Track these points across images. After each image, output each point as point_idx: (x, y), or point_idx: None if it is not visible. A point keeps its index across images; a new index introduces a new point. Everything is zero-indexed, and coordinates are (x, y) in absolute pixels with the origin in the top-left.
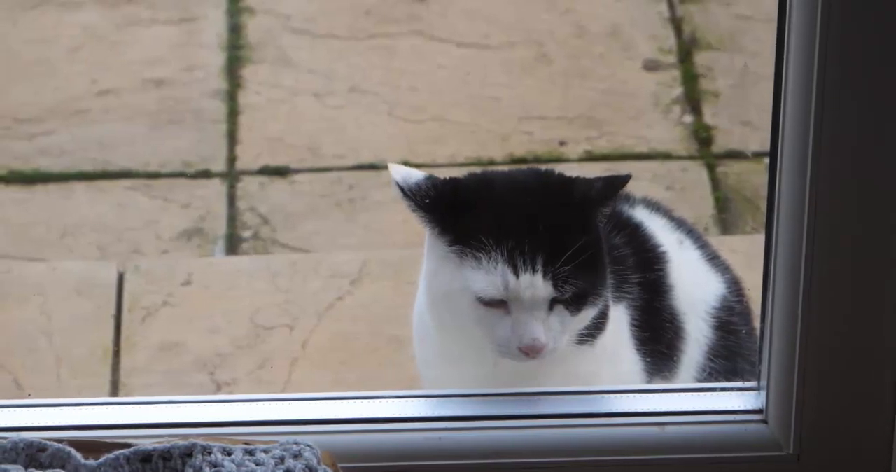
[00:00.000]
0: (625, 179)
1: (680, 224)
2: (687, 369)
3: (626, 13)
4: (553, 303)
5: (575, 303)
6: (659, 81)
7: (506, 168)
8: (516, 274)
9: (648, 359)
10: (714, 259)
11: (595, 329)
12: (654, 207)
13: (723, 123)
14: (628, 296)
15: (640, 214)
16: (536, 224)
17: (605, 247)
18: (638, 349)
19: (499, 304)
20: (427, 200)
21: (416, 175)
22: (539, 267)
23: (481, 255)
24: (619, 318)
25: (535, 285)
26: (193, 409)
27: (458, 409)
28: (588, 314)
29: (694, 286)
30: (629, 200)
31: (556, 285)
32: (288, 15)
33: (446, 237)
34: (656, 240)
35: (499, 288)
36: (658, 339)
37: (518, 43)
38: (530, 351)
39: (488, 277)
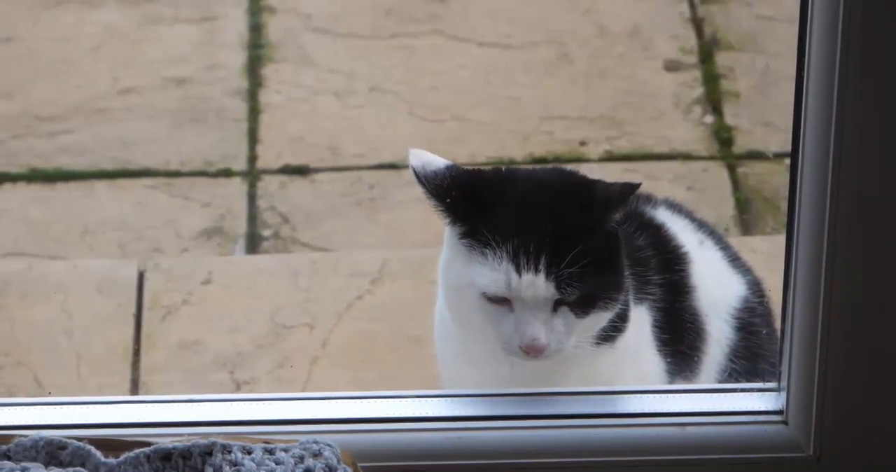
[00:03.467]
0: (635, 186)
1: (701, 225)
2: (708, 370)
3: (647, 13)
4: (558, 304)
5: (581, 306)
6: (680, 81)
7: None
8: (519, 273)
9: (670, 360)
10: (735, 261)
11: (615, 330)
12: (676, 208)
13: (744, 124)
14: (650, 297)
15: (663, 215)
16: (545, 224)
17: (620, 251)
18: (659, 350)
19: (504, 301)
20: (440, 189)
21: (437, 163)
22: (542, 267)
23: (488, 250)
24: (641, 319)
25: (537, 285)
26: (213, 408)
27: (478, 409)
28: (599, 318)
29: (716, 287)
30: (651, 201)
31: (558, 287)
32: (309, 14)
33: (458, 229)
34: (678, 241)
35: (501, 286)
36: (680, 340)
37: (539, 43)
38: (530, 351)
39: (492, 273)
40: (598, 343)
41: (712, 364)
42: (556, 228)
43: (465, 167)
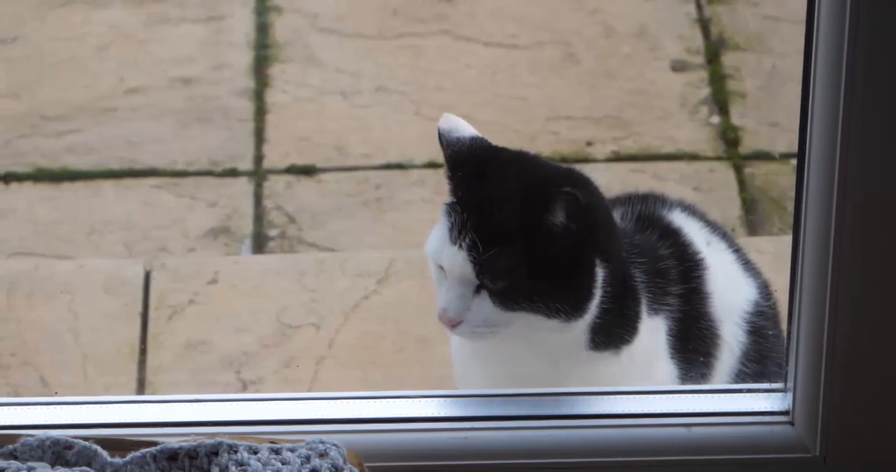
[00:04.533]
0: (566, 194)
1: (714, 228)
2: (719, 374)
3: (653, 14)
4: (481, 288)
5: (501, 298)
6: (686, 81)
7: None
8: (450, 244)
9: (683, 366)
10: (747, 264)
11: (618, 341)
12: (690, 209)
13: (750, 124)
14: (667, 308)
15: (679, 219)
16: (489, 208)
17: (577, 264)
18: (673, 357)
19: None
20: (455, 156)
21: (464, 131)
22: (464, 245)
23: (445, 218)
24: (655, 329)
25: (456, 259)
26: (220, 408)
27: (485, 409)
28: (540, 321)
29: (730, 292)
30: (666, 203)
31: (475, 269)
32: (315, 14)
33: (451, 193)
34: (695, 247)
35: (435, 251)
36: (694, 346)
37: (545, 43)
38: (441, 320)
39: (436, 239)
40: (596, 347)
41: (724, 368)
42: (494, 213)
43: (488, 142)
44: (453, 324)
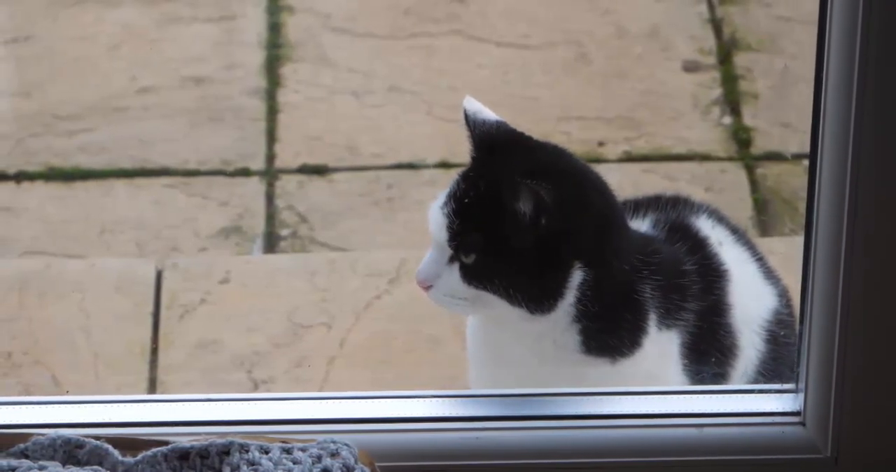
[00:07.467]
0: (530, 188)
1: (740, 236)
2: (734, 381)
3: (665, 14)
4: (454, 258)
5: (468, 271)
6: (698, 82)
7: None
8: (439, 209)
9: (697, 377)
10: (769, 272)
11: (609, 348)
12: (717, 216)
13: (762, 125)
14: (682, 322)
15: (706, 227)
16: (479, 184)
17: (543, 261)
18: (688, 368)
19: None
20: (482, 135)
21: (489, 114)
22: (446, 211)
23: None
24: (666, 343)
25: (437, 224)
26: (231, 407)
27: (496, 409)
28: (500, 305)
29: (751, 302)
30: (693, 208)
31: (448, 236)
32: (328, 14)
33: None
34: (720, 258)
35: (430, 214)
36: (712, 357)
37: (557, 43)
38: (417, 281)
39: (435, 204)
40: (588, 353)
41: (739, 376)
42: (478, 189)
43: (512, 127)
44: (424, 287)
